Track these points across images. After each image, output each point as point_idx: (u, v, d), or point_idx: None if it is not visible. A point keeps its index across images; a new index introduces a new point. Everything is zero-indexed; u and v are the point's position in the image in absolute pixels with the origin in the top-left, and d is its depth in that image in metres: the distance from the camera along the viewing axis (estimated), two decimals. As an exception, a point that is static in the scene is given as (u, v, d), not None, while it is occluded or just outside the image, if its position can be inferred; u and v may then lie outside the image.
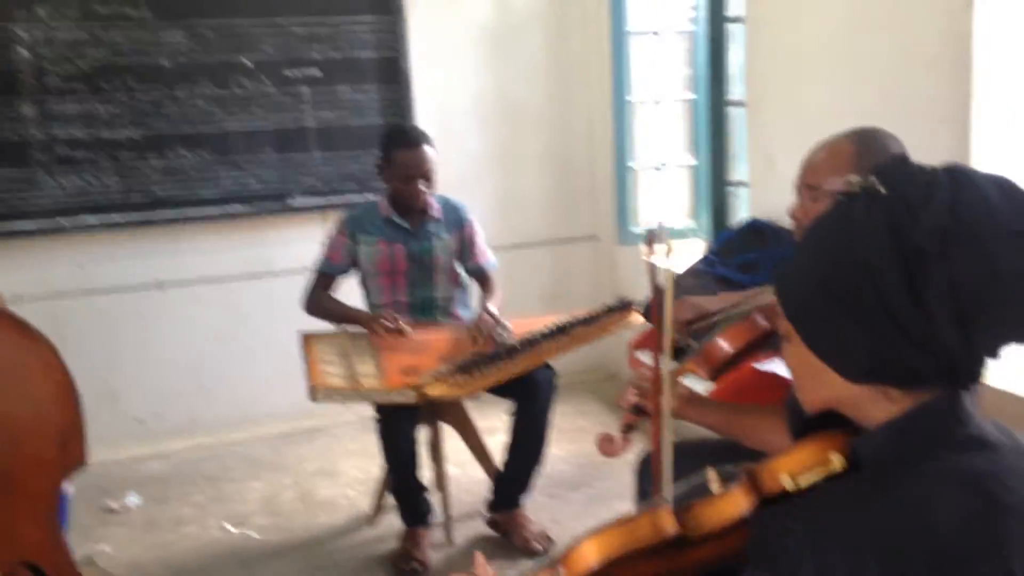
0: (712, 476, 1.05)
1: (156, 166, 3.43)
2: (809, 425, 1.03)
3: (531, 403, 2.70)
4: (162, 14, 3.38)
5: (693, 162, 3.75)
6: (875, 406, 0.94)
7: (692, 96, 3.68)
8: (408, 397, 2.42)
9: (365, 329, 2.69)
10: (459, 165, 3.95)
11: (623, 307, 2.85)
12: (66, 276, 3.42)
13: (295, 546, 2.86)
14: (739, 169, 3.40)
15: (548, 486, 3.11)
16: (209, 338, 3.65)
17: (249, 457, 3.54)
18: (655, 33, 3.74)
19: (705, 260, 3.05)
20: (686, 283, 2.89)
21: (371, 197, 3.19)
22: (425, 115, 3.81)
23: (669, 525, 0.98)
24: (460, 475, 3.25)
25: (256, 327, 3.64)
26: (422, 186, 2.73)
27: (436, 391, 2.42)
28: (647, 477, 2.02)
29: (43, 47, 3.24)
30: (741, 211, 3.40)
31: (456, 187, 3.87)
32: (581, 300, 3.64)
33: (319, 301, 2.81)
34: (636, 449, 2.71)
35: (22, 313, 3.27)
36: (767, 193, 3.07)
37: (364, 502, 3.07)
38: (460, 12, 3.87)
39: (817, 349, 0.95)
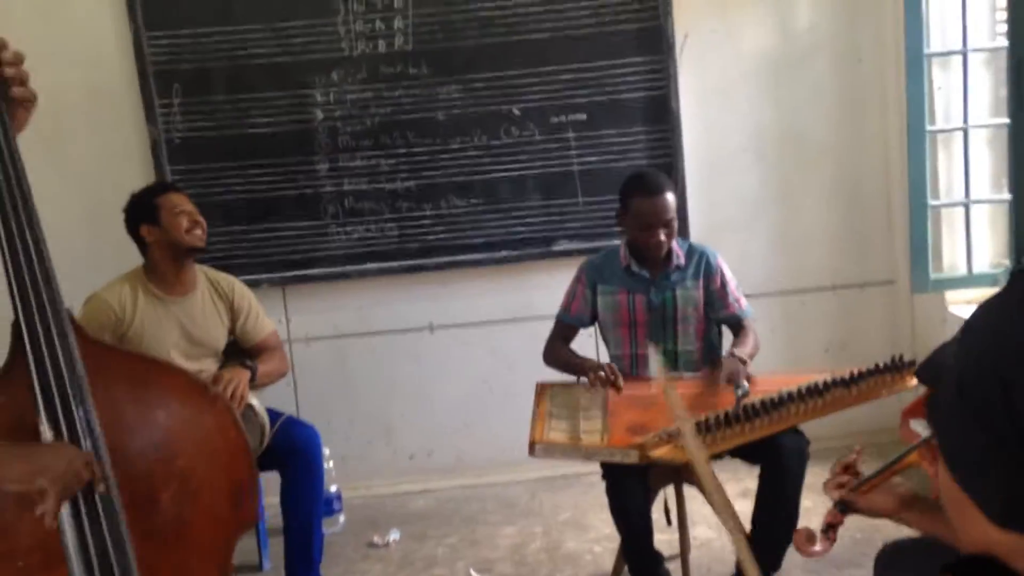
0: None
1: (429, 215, 3.62)
2: (966, 567, 0.78)
3: (777, 472, 2.43)
4: (439, 71, 3.57)
5: (1003, 197, 3.22)
6: None
7: (1002, 123, 3.17)
8: (630, 457, 2.29)
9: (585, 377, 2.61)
10: (732, 205, 3.75)
11: (898, 368, 2.50)
12: (349, 318, 3.70)
13: (531, 599, 2.83)
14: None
15: (813, 563, 2.78)
16: (475, 380, 3.76)
17: (507, 501, 3.58)
18: (958, 53, 3.28)
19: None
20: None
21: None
22: (694, 154, 3.67)
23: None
24: (715, 539, 3.04)
25: (519, 370, 3.66)
26: (662, 235, 2.59)
27: (660, 453, 2.26)
28: (889, 571, 1.73)
29: (336, 108, 3.56)
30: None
31: (728, 228, 3.70)
32: (873, 352, 3.24)
33: (553, 351, 2.78)
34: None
35: (312, 351, 3.63)
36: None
37: (608, 561, 2.96)
38: (736, 45, 3.68)
39: (954, 471, 0.72)
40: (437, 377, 3.76)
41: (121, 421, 1.36)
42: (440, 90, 3.58)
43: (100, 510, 1.28)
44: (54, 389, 1.26)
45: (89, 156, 3.58)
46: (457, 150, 3.60)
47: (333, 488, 3.45)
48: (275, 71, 3.52)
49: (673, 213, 2.61)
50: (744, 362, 2.53)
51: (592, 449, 2.34)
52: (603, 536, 3.16)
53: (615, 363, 2.76)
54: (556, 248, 3.66)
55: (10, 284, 1.27)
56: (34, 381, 1.26)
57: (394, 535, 3.32)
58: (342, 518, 3.47)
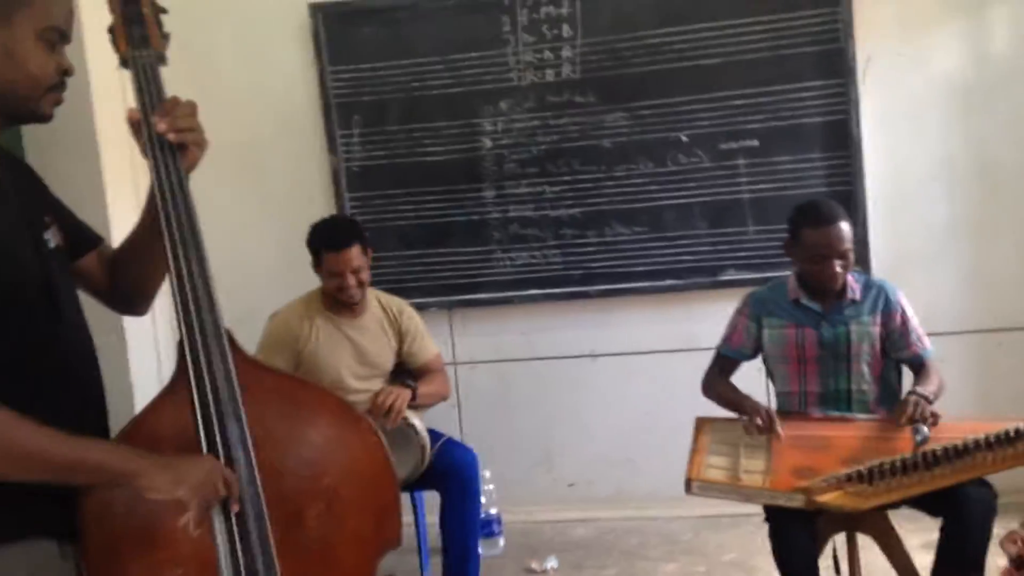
0: None
1: (593, 242, 3.61)
2: None
3: (960, 525, 2.23)
4: (606, 99, 3.56)
5: None
6: None
7: None
8: (795, 501, 2.17)
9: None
10: (919, 238, 3.52)
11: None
12: (512, 343, 3.74)
13: (687, 642, 2.73)
14: None
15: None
16: (637, 410, 3.69)
17: (669, 536, 3.48)
18: None
19: None
20: None
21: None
22: (877, 183, 3.48)
23: None
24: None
25: (684, 402, 3.50)
26: (837, 267, 2.45)
27: (827, 499, 2.13)
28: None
29: (503, 136, 3.63)
30: None
31: (914, 262, 3.47)
32: (1082, 399, 2.96)
33: (712, 384, 2.68)
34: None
35: (476, 374, 3.69)
36: None
37: (772, 607, 2.81)
38: (924, 69, 3.46)
39: None
40: (599, 405, 3.72)
41: (272, 438, 1.41)
42: (606, 117, 3.57)
43: (250, 524, 1.34)
44: (211, 404, 1.34)
45: (280, 183, 3.80)
46: (622, 177, 3.58)
47: (494, 511, 3.47)
48: (447, 101, 3.63)
49: (849, 244, 2.47)
50: (928, 400, 2.35)
51: (753, 490, 2.23)
52: (768, 581, 3.01)
53: (781, 400, 2.64)
54: (724, 278, 3.56)
55: (176, 308, 1.36)
56: (193, 396, 1.34)
57: (552, 562, 3.30)
58: (502, 541, 3.48)
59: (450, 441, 2.97)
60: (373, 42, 3.66)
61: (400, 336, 3.01)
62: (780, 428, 2.38)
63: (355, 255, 2.80)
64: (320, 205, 3.71)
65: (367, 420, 1.52)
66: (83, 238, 1.54)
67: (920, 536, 2.82)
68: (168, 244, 1.38)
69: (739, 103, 3.49)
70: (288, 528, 1.41)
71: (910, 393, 2.39)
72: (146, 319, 3.63)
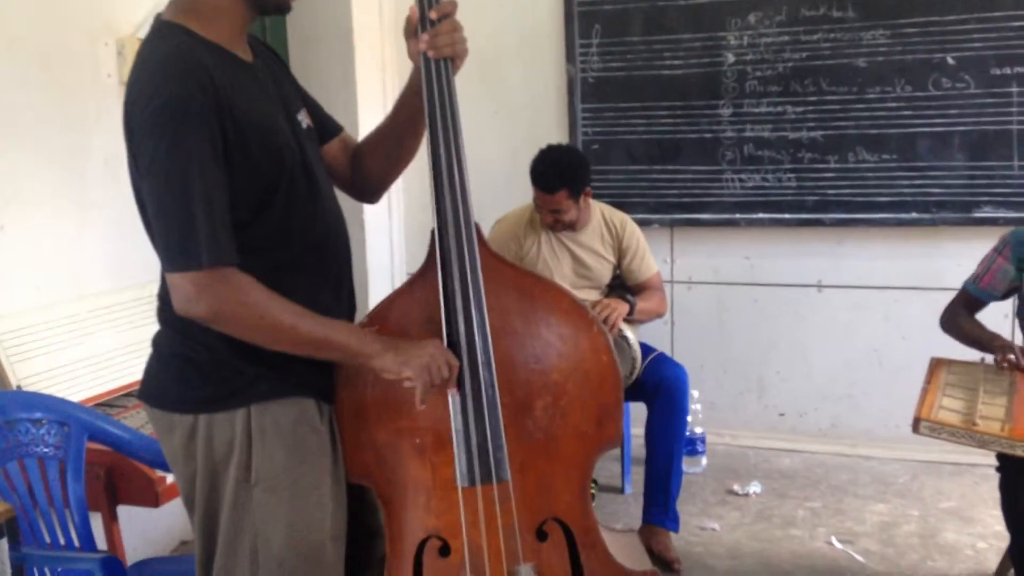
0: None
1: (833, 167, 3.43)
2: None
3: None
4: (867, 14, 3.32)
5: None
6: None
7: None
8: (1033, 454, 2.02)
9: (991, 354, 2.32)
10: None
11: None
12: (733, 266, 3.66)
13: (895, 583, 2.65)
14: None
15: None
16: (863, 346, 3.53)
17: (882, 477, 3.36)
18: None
19: None
20: None
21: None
22: None
23: None
24: None
25: (916, 343, 3.37)
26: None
27: (1072, 457, 1.97)
28: None
29: (748, 52, 3.48)
30: None
31: None
32: None
33: (955, 319, 2.50)
34: None
35: (692, 294, 3.66)
36: None
37: (992, 560, 2.67)
38: None
39: None
40: (820, 338, 3.59)
41: (508, 328, 1.50)
42: (864, 35, 3.34)
43: (484, 405, 1.44)
44: (457, 288, 1.44)
45: (517, 92, 3.85)
46: (874, 100, 3.35)
47: (699, 430, 3.48)
48: (693, 13, 3.52)
49: None
50: None
51: (988, 437, 2.09)
52: (991, 533, 2.86)
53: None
54: (978, 215, 3.30)
55: (432, 194, 1.45)
56: (439, 282, 1.44)
57: (755, 487, 3.28)
58: (704, 461, 3.50)
59: (661, 355, 2.99)
60: (624, -51, 3.59)
61: (620, 252, 3.02)
62: None
63: (559, 200, 2.83)
64: (553, 114, 3.75)
65: (598, 322, 1.56)
66: (327, 125, 1.64)
67: None
68: (430, 133, 1.46)
69: (1018, 24, 3.16)
70: (517, 414, 1.50)
71: None
72: (383, 213, 3.88)
